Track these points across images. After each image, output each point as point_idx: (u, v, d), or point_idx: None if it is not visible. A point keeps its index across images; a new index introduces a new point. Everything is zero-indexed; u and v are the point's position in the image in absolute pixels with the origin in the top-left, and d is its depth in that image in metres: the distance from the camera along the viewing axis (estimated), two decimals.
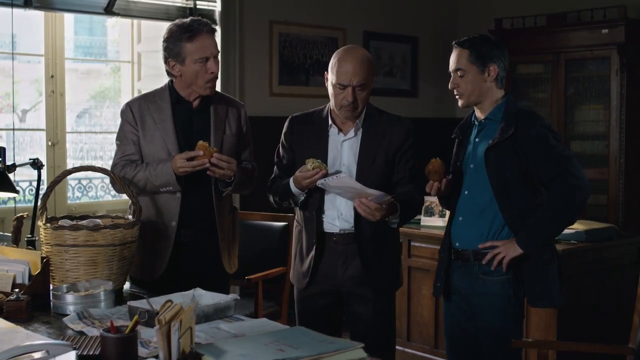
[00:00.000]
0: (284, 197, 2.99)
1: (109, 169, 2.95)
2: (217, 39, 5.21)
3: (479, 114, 2.95)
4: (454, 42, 2.92)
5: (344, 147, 2.98)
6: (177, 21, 3.02)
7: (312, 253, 2.98)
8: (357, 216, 2.90)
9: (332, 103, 2.97)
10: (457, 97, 2.92)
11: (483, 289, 2.87)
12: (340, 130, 2.99)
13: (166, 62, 3.01)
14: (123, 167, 3.00)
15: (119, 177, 2.87)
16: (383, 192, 2.78)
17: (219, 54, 3.04)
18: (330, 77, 2.92)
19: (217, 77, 3.02)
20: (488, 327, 2.88)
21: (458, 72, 2.88)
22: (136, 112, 3.02)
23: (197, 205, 3.02)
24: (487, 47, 2.86)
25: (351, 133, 2.98)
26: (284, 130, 3.10)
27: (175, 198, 2.99)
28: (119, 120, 3.11)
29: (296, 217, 3.13)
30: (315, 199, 2.96)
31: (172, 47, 2.96)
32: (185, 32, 2.94)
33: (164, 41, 3.00)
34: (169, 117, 3.01)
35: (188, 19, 3.01)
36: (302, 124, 3.06)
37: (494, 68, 2.85)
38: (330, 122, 2.99)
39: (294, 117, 3.11)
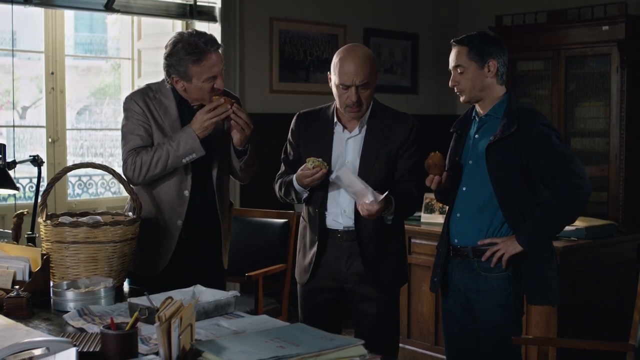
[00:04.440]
0: (287, 193, 3.01)
1: (109, 166, 2.94)
2: (217, 35, 5.24)
3: (479, 110, 2.95)
4: (452, 40, 2.92)
5: (348, 145, 2.97)
6: (180, 36, 2.90)
7: (314, 249, 2.99)
8: (358, 214, 2.91)
9: (337, 103, 2.96)
10: (458, 94, 2.93)
11: (483, 285, 2.87)
12: (345, 127, 2.99)
13: (169, 76, 2.93)
14: (138, 155, 2.92)
15: (136, 175, 2.88)
16: (375, 193, 2.76)
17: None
18: (333, 78, 2.92)
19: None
20: (488, 323, 2.88)
21: (458, 69, 2.88)
22: (143, 106, 2.98)
23: (201, 204, 3.02)
24: (486, 43, 2.86)
25: (356, 130, 2.97)
26: (291, 126, 3.10)
27: (183, 197, 2.98)
28: (119, 117, 3.08)
29: (302, 213, 3.14)
30: (318, 196, 2.96)
31: (177, 67, 2.87)
32: (191, 53, 2.84)
33: (166, 57, 2.90)
34: (175, 116, 2.97)
35: (194, 35, 2.89)
36: (309, 120, 3.06)
37: (493, 63, 2.85)
38: (335, 119, 2.99)
39: (302, 113, 3.11)
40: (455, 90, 2.92)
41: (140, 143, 2.95)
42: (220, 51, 2.92)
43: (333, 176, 2.84)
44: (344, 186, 2.85)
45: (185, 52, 2.85)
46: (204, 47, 2.85)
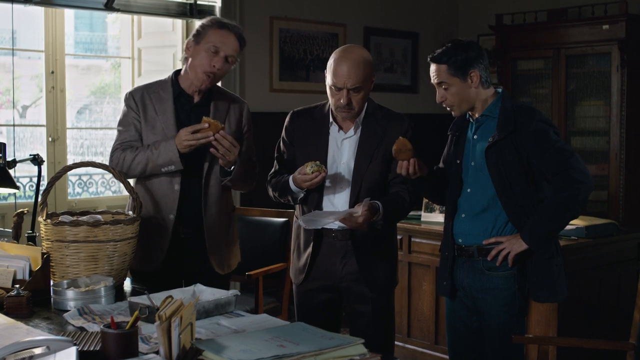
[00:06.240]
0: (283, 193, 3.00)
1: (109, 164, 2.95)
2: None
3: (473, 114, 2.93)
4: (429, 57, 2.88)
5: (344, 145, 2.97)
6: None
7: (310, 249, 2.98)
8: None
9: (330, 102, 2.96)
10: (448, 109, 2.91)
11: (488, 284, 2.87)
12: (340, 128, 2.98)
13: (188, 44, 3.03)
14: (123, 151, 3.00)
15: (118, 170, 2.88)
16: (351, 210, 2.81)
17: (235, 62, 3.03)
18: (327, 77, 2.91)
19: (217, 76, 2.99)
20: (493, 322, 2.88)
21: (442, 86, 2.85)
22: (138, 100, 3.03)
23: (193, 200, 3.02)
24: (462, 55, 2.81)
25: (351, 131, 2.97)
26: (285, 124, 3.10)
27: (174, 191, 2.98)
28: (119, 116, 3.11)
29: (296, 212, 3.13)
30: (313, 197, 2.96)
31: (201, 30, 3.00)
32: (217, 22, 3.01)
33: (199, 26, 3.05)
34: (170, 108, 3.01)
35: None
36: (304, 119, 3.05)
37: (475, 73, 2.82)
38: (331, 119, 2.99)
39: (296, 111, 3.10)
40: (444, 105, 2.91)
41: (128, 138, 3.03)
42: (240, 46, 3.02)
43: (302, 225, 2.88)
44: (322, 224, 2.86)
45: (217, 21, 3.04)
46: (231, 27, 3.01)
